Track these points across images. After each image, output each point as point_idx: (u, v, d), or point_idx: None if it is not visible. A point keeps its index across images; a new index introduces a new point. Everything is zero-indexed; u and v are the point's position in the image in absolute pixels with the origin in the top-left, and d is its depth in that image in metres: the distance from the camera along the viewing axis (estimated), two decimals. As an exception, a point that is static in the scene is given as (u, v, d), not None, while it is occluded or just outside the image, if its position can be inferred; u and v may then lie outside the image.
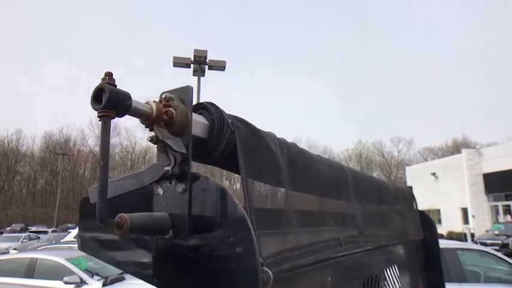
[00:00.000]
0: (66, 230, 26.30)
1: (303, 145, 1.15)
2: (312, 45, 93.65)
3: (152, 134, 0.65)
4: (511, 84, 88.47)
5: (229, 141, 0.76)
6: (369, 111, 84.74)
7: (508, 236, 16.53)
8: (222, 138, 0.75)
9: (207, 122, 0.74)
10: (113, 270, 8.11)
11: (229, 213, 0.64)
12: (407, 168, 35.35)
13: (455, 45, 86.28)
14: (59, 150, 55.75)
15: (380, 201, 1.66)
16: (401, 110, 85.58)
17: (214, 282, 0.62)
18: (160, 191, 0.70)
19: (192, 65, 15.90)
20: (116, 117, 0.58)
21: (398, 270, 1.81)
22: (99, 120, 0.57)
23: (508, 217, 23.61)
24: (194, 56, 15.58)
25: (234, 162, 0.74)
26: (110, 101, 0.58)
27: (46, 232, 26.87)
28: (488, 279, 5.07)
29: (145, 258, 0.68)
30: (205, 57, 15.86)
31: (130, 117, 0.61)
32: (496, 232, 17.91)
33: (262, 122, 0.90)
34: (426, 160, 53.20)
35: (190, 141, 0.69)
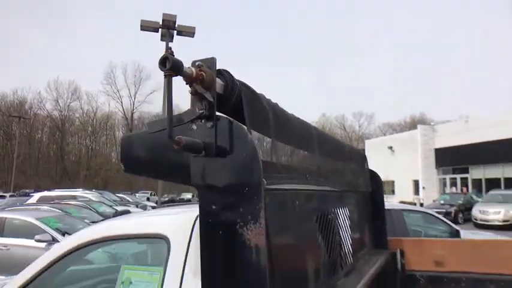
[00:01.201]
0: (25, 195, 25.65)
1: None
2: (284, 17, 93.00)
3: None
4: (468, 67, 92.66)
5: (238, 97, 1.10)
6: (335, 86, 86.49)
7: (452, 205, 18.11)
8: (233, 94, 1.08)
9: (222, 83, 1.07)
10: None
11: (242, 141, 0.99)
12: (367, 142, 36.96)
13: (424, 24, 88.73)
14: (13, 113, 53.06)
15: (337, 155, 2.08)
16: (366, 86, 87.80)
17: (230, 183, 0.98)
18: (194, 127, 1.03)
19: (160, 30, 15.56)
20: (173, 76, 0.91)
21: (349, 213, 2.26)
22: (165, 78, 0.89)
23: (453, 189, 25.63)
24: (163, 20, 15.22)
25: (240, 114, 1.09)
26: (172, 65, 0.89)
27: (3, 197, 26.12)
28: (427, 237, 5.81)
29: (184, 170, 1.03)
30: (174, 22, 15.52)
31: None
32: (442, 202, 19.49)
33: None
34: (385, 135, 55.63)
35: (215, 94, 1.01)
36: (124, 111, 64.77)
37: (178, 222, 1.48)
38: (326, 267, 1.67)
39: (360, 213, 2.53)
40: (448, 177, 27.12)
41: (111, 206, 16.00)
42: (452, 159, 25.87)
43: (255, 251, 0.94)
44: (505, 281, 2.30)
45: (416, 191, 27.27)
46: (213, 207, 1.00)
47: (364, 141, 40.50)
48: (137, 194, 39.42)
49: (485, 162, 23.84)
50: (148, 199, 34.34)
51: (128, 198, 25.98)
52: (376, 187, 2.88)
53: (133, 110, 64.18)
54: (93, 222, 9.42)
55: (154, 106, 70.45)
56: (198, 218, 1.42)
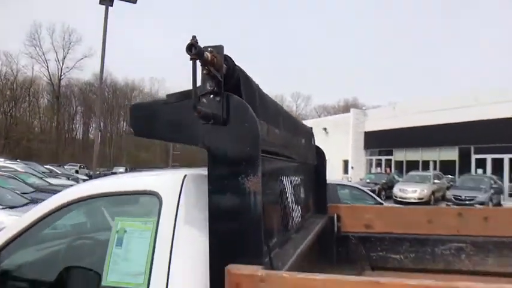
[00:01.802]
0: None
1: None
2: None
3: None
4: (398, 58, 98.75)
5: (236, 78, 1.36)
6: (275, 65, 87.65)
7: (376, 184, 19.86)
8: (233, 76, 1.34)
9: (226, 66, 1.32)
10: (15, 201, 7.99)
11: (244, 113, 1.26)
12: (303, 122, 38.44)
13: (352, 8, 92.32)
14: None
15: (295, 131, 2.42)
16: (305, 67, 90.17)
17: (234, 145, 1.26)
18: (204, 100, 1.27)
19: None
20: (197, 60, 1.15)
21: (301, 181, 2.64)
22: (190, 60, 1.12)
23: (378, 169, 27.90)
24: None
25: (238, 92, 1.36)
26: (197, 52, 1.12)
27: None
28: (357, 208, 6.57)
29: (195, 132, 1.29)
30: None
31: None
32: (368, 181, 21.25)
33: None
34: (320, 116, 58.15)
35: (223, 74, 1.27)
36: (50, 77, 59.23)
37: (168, 180, 1.72)
38: (284, 223, 2.02)
39: (307, 182, 2.92)
40: (374, 158, 29.38)
41: (41, 178, 15.20)
42: (379, 142, 28.03)
43: (254, 195, 1.24)
44: (418, 239, 2.86)
45: (346, 171, 29.21)
46: (220, 163, 1.27)
47: (302, 121, 42.04)
48: (66, 166, 37.41)
49: (407, 146, 26.17)
50: (77, 172, 32.81)
51: (56, 170, 24.68)
52: (320, 161, 3.30)
53: (60, 75, 58.94)
54: (24, 193, 9.04)
55: (85, 73, 66.18)
56: (185, 177, 1.68)
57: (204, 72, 1.23)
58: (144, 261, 1.57)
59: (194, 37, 1.13)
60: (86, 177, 26.02)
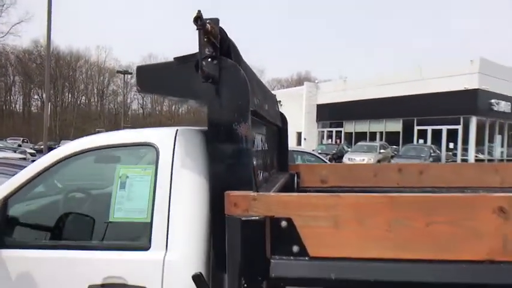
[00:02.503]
0: None
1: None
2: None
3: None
4: (349, 33, 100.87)
5: (227, 45, 1.65)
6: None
7: (327, 154, 20.90)
8: (225, 43, 1.64)
9: (219, 36, 1.62)
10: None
11: (237, 73, 1.56)
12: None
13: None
14: None
15: (266, 95, 2.76)
16: (257, 40, 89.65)
17: (229, 98, 1.58)
18: (204, 63, 1.56)
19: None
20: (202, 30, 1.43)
21: (269, 140, 3.01)
22: (197, 30, 1.40)
23: (329, 140, 29.19)
24: None
25: (229, 57, 1.66)
26: (202, 23, 1.40)
27: None
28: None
29: (195, 88, 1.58)
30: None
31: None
32: (319, 151, 22.26)
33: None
34: (273, 90, 58.69)
35: (219, 41, 1.55)
36: (-19, 43, 54.27)
37: (163, 134, 2.00)
38: (257, 172, 2.38)
39: (273, 142, 3.30)
40: (325, 130, 30.61)
41: (-14, 151, 14.48)
42: (330, 115, 29.19)
43: (245, 138, 1.57)
44: (364, 190, 3.37)
45: (299, 142, 30.22)
46: (218, 114, 1.58)
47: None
48: (8, 140, 35.29)
49: (356, 118, 27.51)
50: (20, 146, 31.17)
51: (-1, 144, 23.41)
52: (283, 125, 3.69)
53: (-6, 41, 54.17)
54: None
55: (23, 39, 61.35)
56: (177, 131, 1.98)
57: (205, 40, 1.52)
58: (146, 200, 1.87)
59: (199, 11, 1.41)
60: (33, 151, 24.90)
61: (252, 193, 1.50)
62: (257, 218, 1.43)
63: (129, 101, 64.32)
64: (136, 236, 1.90)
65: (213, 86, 1.58)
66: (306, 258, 1.43)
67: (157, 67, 1.73)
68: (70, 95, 64.68)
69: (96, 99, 66.09)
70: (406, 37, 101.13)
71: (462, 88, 21.10)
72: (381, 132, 26.35)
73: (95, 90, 65.50)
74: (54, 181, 2.05)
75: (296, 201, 1.48)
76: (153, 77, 1.72)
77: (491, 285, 1.35)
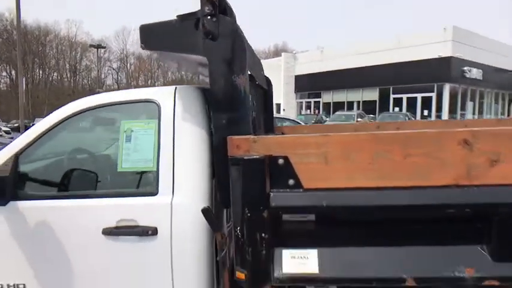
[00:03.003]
0: None
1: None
2: None
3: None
4: (326, 3, 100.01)
5: (224, 5, 1.79)
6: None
7: (306, 124, 21.28)
8: (223, 2, 1.77)
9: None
10: None
11: (234, 29, 1.71)
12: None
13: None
14: None
15: (254, 57, 2.92)
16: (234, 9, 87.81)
17: (227, 52, 1.73)
18: (204, 20, 1.69)
19: None
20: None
21: (257, 101, 3.19)
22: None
23: (308, 111, 29.57)
24: None
25: (225, 14, 1.80)
26: None
27: None
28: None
29: (196, 43, 1.73)
30: None
31: None
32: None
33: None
34: (251, 61, 58.03)
35: (218, 3, 1.70)
36: None
37: (164, 91, 2.15)
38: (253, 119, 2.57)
39: (260, 103, 3.48)
40: (304, 100, 30.91)
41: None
42: (308, 85, 29.43)
43: (243, 89, 1.74)
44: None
45: (278, 112, 30.48)
46: (218, 67, 1.74)
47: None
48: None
49: (334, 88, 27.84)
50: (-7, 124, 30.25)
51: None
52: (268, 87, 3.86)
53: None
54: None
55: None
56: (176, 88, 2.13)
57: (210, 3, 1.67)
58: (151, 150, 2.04)
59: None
60: (7, 129, 24.29)
61: (252, 136, 1.69)
62: (257, 157, 1.63)
63: (103, 76, 62.61)
64: (144, 184, 2.08)
65: (212, 42, 1.73)
66: (301, 190, 1.65)
67: (160, 25, 1.85)
68: (41, 71, 62.34)
69: (68, 75, 63.98)
70: (384, 6, 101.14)
71: (436, 56, 21.60)
72: (358, 102, 26.83)
73: (67, 65, 63.29)
74: (63, 137, 2.18)
75: (291, 141, 1.68)
76: (156, 35, 1.85)
77: (457, 205, 1.60)
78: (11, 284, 2.03)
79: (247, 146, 1.67)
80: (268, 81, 3.85)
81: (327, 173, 1.64)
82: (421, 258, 1.65)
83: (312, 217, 1.76)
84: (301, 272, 1.67)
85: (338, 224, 1.75)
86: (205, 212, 1.79)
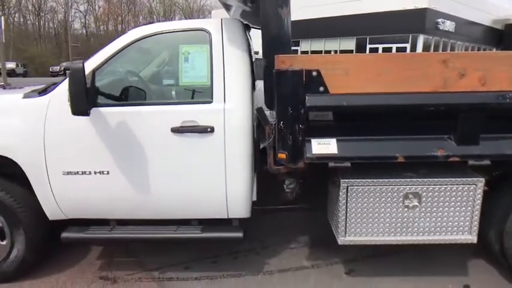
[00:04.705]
0: None
1: None
2: None
3: None
4: None
5: None
6: None
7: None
8: None
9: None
10: None
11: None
12: (213, 12, 37.75)
13: None
14: None
15: None
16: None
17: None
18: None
19: None
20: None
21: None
22: None
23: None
24: None
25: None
26: None
27: None
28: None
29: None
30: None
31: None
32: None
33: None
34: (229, 10, 56.46)
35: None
36: None
37: (212, 21, 2.67)
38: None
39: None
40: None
41: None
42: (294, 33, 29.35)
43: (286, 19, 2.35)
44: None
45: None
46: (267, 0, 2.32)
47: (211, 12, 41.03)
48: None
49: (312, 37, 28.09)
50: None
51: None
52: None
53: None
54: None
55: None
56: (222, 20, 2.68)
57: None
58: (206, 69, 2.61)
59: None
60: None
61: (293, 55, 2.31)
62: (298, 69, 2.26)
63: (70, 19, 59.37)
64: (201, 94, 2.67)
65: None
66: (328, 94, 2.30)
67: None
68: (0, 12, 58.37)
69: (32, 17, 60.29)
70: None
71: (412, 7, 22.11)
72: (336, 51, 27.30)
73: (29, 6, 59.43)
74: (133, 56, 2.70)
75: (322, 59, 2.32)
76: None
77: (435, 105, 2.30)
78: (97, 170, 2.63)
79: (290, 61, 2.28)
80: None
81: (347, 82, 2.29)
82: (408, 142, 2.38)
83: (331, 117, 2.45)
84: (325, 152, 2.37)
85: (350, 120, 2.44)
86: (259, 110, 2.43)
